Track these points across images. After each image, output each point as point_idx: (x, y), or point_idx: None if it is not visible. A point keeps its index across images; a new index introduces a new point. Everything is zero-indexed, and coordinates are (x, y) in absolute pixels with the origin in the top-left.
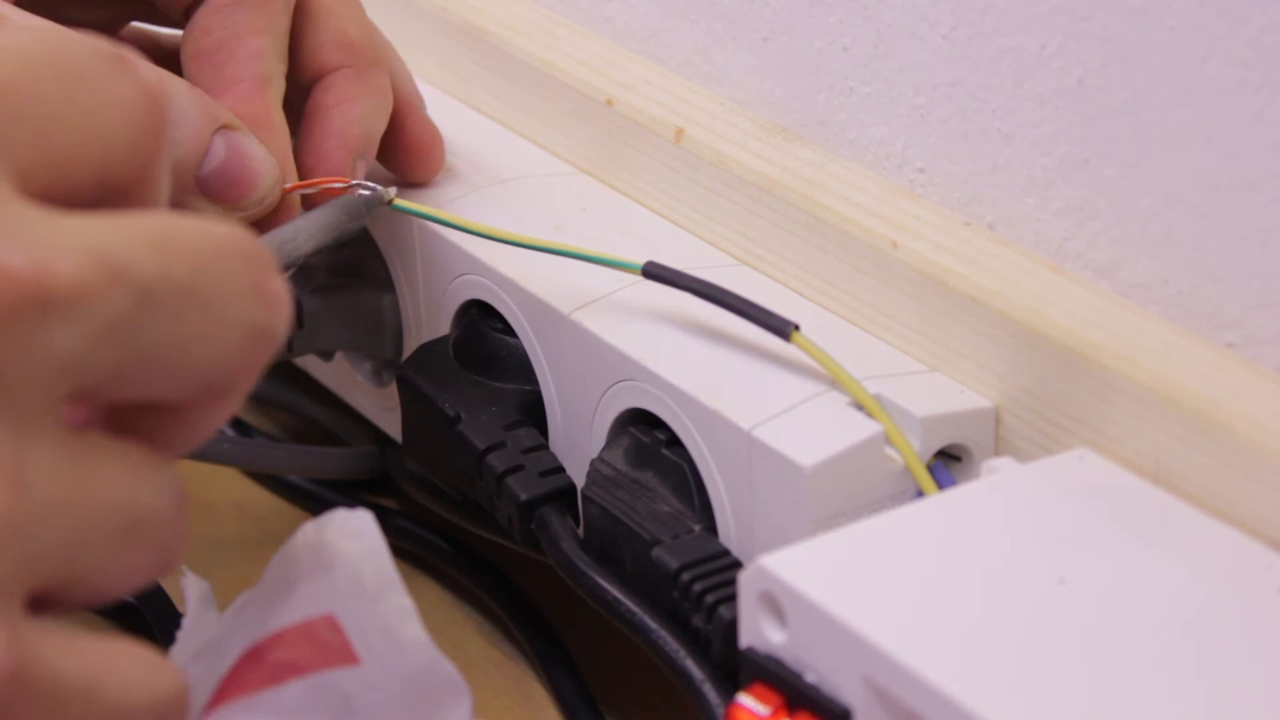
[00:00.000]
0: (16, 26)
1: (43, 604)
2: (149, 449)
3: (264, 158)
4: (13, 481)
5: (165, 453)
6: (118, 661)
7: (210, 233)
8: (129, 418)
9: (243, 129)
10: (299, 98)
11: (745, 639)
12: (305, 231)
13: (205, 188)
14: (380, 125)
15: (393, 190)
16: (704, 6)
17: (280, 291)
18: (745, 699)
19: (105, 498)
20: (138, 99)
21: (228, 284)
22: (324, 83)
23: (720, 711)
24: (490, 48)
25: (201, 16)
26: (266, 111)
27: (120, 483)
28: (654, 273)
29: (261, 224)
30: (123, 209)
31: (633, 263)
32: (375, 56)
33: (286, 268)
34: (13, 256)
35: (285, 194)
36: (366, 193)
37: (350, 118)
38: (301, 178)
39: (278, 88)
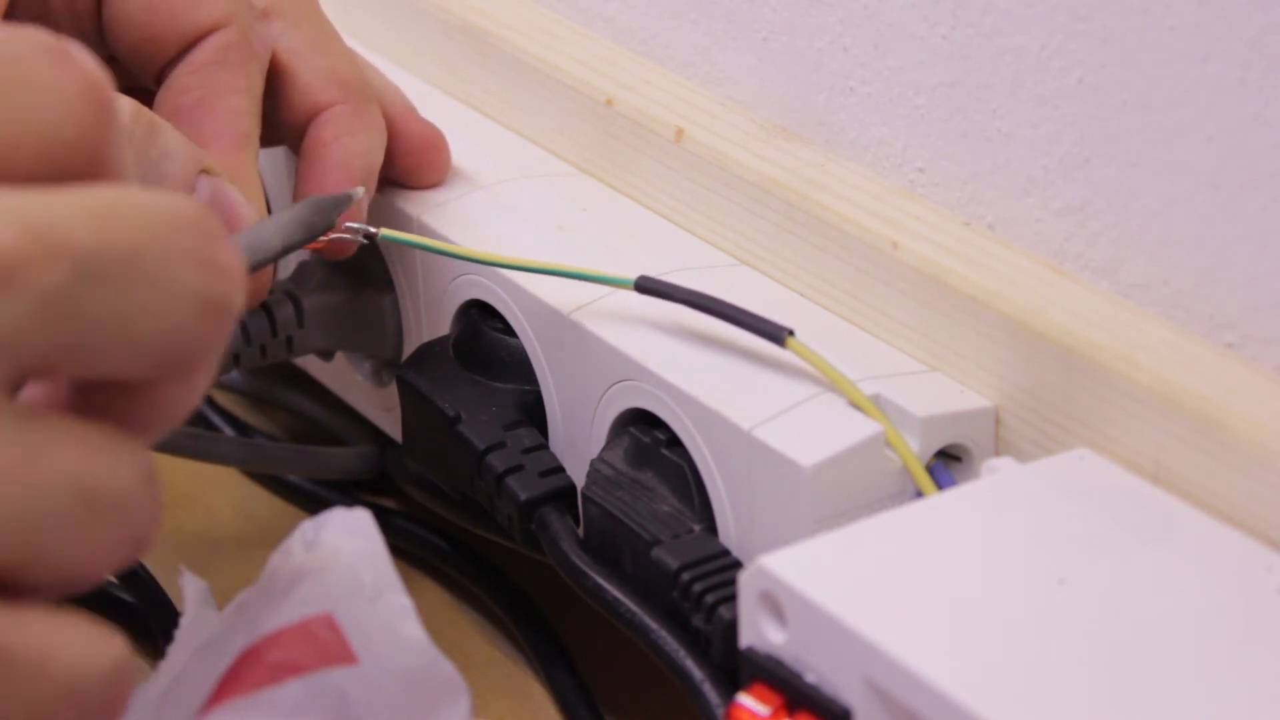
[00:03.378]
0: None
1: (6, 588)
2: (113, 428)
3: (245, 203)
4: None
5: (138, 434)
6: (66, 634)
7: (156, 203)
8: (95, 399)
9: (224, 176)
10: (294, 137)
11: (745, 639)
12: (273, 227)
13: None
14: (378, 159)
15: (360, 190)
16: (704, 6)
17: (233, 262)
18: (745, 699)
19: (57, 474)
20: (79, 91)
21: (175, 254)
22: (320, 119)
23: (720, 711)
24: (490, 48)
25: (178, 77)
26: (245, 167)
27: (74, 459)
28: (647, 287)
29: None
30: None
31: (624, 278)
32: (368, 93)
33: (257, 266)
34: None
35: None
36: (347, 235)
37: (351, 152)
38: None
39: (255, 148)
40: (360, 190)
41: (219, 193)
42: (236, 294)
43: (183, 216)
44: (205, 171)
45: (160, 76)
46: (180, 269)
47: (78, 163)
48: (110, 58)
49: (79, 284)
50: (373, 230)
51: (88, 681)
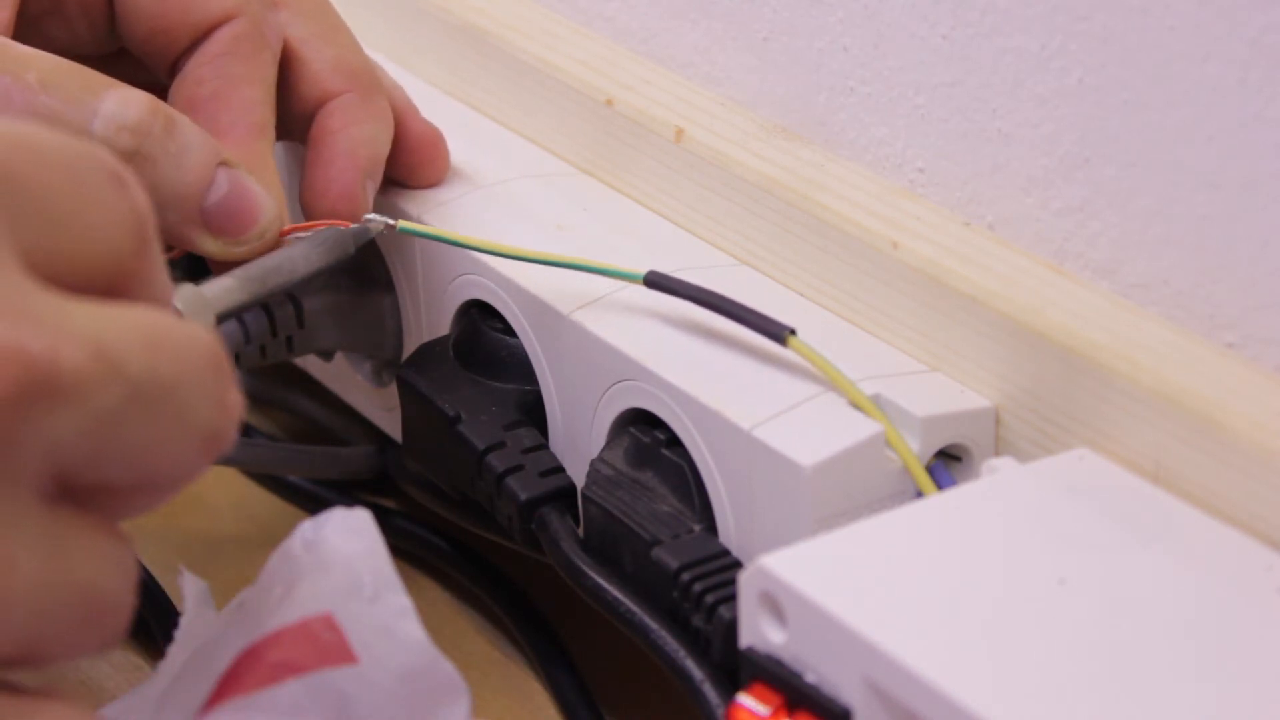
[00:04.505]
0: (38, 115)
1: None
2: (110, 528)
3: (264, 194)
4: (2, 562)
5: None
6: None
7: (192, 337)
8: (76, 493)
9: (242, 168)
10: (301, 126)
11: (745, 639)
12: (299, 255)
13: (208, 219)
14: (385, 149)
15: (377, 219)
16: (704, 6)
17: (238, 402)
18: (745, 699)
19: (76, 582)
20: (132, 213)
21: (201, 389)
22: (327, 108)
23: (720, 711)
24: (490, 48)
25: (192, 68)
26: (262, 157)
27: (91, 567)
28: (656, 282)
29: None
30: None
31: (634, 273)
32: (375, 83)
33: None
34: (30, 339)
35: (282, 235)
36: (369, 222)
37: (357, 140)
38: (312, 200)
39: (271, 137)
40: (380, 224)
41: (238, 184)
42: (235, 432)
43: (210, 353)
44: (224, 164)
45: (173, 69)
46: (201, 403)
47: (121, 280)
48: (121, 51)
49: (125, 407)
50: (392, 221)
51: None
